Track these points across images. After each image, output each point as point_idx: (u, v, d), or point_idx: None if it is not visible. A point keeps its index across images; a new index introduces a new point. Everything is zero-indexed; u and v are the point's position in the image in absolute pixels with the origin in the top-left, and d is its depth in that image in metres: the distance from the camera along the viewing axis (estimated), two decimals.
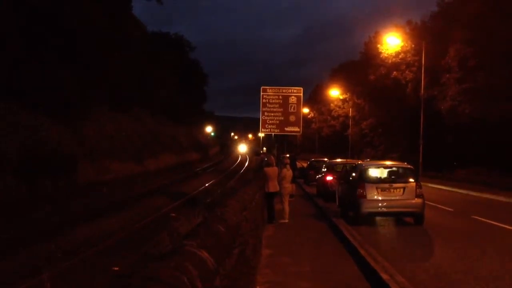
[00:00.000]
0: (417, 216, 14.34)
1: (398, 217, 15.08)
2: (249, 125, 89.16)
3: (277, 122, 29.73)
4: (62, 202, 20.84)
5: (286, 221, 15.46)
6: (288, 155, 25.24)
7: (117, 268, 5.72)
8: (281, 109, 29.60)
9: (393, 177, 14.92)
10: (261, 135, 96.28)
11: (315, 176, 27.80)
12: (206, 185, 33.53)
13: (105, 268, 10.03)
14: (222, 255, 7.20)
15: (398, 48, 47.06)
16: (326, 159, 33.89)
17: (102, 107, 37.24)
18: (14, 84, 24.42)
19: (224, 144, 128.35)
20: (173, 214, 15.15)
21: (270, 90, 29.59)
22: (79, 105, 31.01)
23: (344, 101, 69.63)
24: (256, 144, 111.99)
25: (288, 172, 16.21)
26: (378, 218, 14.91)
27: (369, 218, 14.64)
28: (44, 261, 11.06)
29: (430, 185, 27.37)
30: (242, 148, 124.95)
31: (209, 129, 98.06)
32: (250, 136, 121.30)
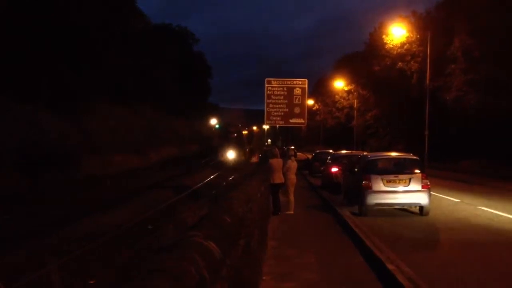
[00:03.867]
0: (423, 207, 14.30)
1: (404, 208, 15.05)
2: (257, 117, 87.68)
3: (282, 114, 29.71)
4: (65, 195, 20.90)
5: (292, 212, 15.46)
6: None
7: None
8: (286, 101, 29.57)
9: (398, 168, 14.87)
10: (265, 127, 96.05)
11: (320, 168, 27.75)
12: (211, 177, 33.56)
13: (110, 260, 10.07)
14: (228, 246, 7.22)
15: (403, 39, 46.81)
16: (331, 151, 33.84)
17: (104, 100, 37.26)
18: (15, 78, 24.46)
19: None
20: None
21: (275, 82, 29.55)
22: (81, 99, 31.09)
23: (348, 92, 69.44)
24: (261, 136, 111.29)
25: (293, 164, 16.19)
26: (383, 209, 14.88)
27: (375, 209, 14.62)
28: (48, 254, 11.12)
29: (436, 176, 27.29)
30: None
31: (213, 121, 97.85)
32: (255, 128, 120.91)
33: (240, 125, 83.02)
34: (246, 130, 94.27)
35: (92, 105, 34.09)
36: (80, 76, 30.53)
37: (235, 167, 39.81)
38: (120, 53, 38.25)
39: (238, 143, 54.39)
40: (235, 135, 58.01)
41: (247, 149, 60.55)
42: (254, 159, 52.91)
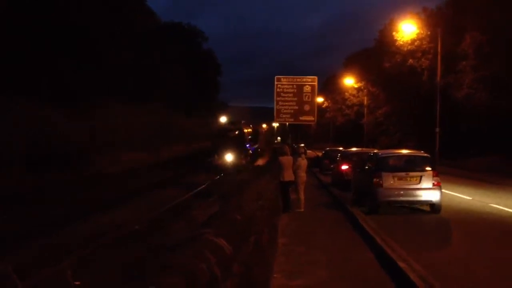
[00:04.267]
0: (434, 205, 14.22)
1: (415, 205, 14.98)
2: (267, 115, 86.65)
3: (292, 111, 29.66)
4: (73, 193, 20.99)
5: (302, 210, 15.44)
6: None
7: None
8: (296, 99, 29.52)
9: (409, 165, 14.79)
10: (275, 124, 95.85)
11: (330, 165, 27.70)
12: (221, 175, 33.58)
13: (120, 257, 10.11)
14: (238, 243, 7.22)
15: (413, 36, 46.51)
16: (341, 148, 33.75)
17: (112, 99, 37.41)
18: (24, 77, 24.63)
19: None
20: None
21: (284, 80, 29.52)
22: (88, 98, 31.25)
23: (358, 89, 69.15)
24: (270, 134, 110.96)
25: (303, 161, 16.16)
26: (394, 207, 14.82)
27: (386, 207, 14.57)
28: (57, 251, 11.18)
29: (446, 173, 27.13)
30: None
31: (223, 119, 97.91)
32: (264, 126, 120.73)
33: (243, 122, 73.58)
34: (250, 128, 79.78)
35: (102, 104, 34.26)
36: (87, 76, 30.70)
37: (235, 170, 34.27)
38: (128, 51, 38.41)
39: (238, 143, 41.98)
40: (236, 133, 44.89)
41: (251, 148, 49.21)
42: (260, 161, 45.55)
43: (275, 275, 7.98)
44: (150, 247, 10.26)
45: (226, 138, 41.97)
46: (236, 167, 35.93)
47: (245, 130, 52.30)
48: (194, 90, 66.86)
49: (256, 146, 59.72)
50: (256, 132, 77.77)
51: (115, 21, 35.62)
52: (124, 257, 9.85)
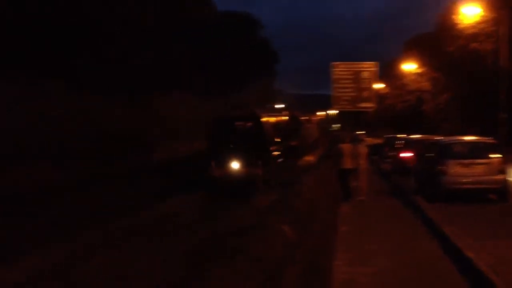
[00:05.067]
0: (501, 193, 13.71)
1: (481, 194, 14.46)
2: (323, 102, 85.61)
3: (350, 98, 29.37)
4: (138, 180, 21.56)
5: (363, 198, 15.26)
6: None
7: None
8: (354, 85, 29.22)
9: (475, 152, 14.27)
10: (331, 112, 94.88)
11: (390, 153, 27.19)
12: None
13: (187, 241, 10.33)
14: (301, 230, 7.24)
15: (477, 18, 44.71)
16: (402, 135, 33.05)
17: (171, 89, 38.06)
18: (90, 71, 25.40)
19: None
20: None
21: (342, 66, 29.19)
22: (150, 89, 31.90)
23: (419, 75, 67.26)
24: (326, 122, 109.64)
25: (363, 149, 15.97)
26: (459, 195, 14.37)
27: (450, 195, 14.15)
28: (125, 234, 11.56)
29: None
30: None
31: (279, 106, 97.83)
32: (320, 113, 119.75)
33: (265, 107, 49.30)
34: (286, 116, 45.82)
35: (162, 94, 34.98)
36: (148, 67, 31.32)
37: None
38: (185, 41, 38.92)
39: (253, 141, 20.50)
40: (249, 124, 21.74)
41: (281, 148, 26.05)
42: (310, 157, 31.77)
43: (338, 263, 7.94)
44: (216, 232, 10.42)
45: (230, 134, 21.37)
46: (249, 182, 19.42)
47: (272, 119, 28.18)
48: (251, 79, 67.04)
49: (294, 143, 34.98)
50: (295, 122, 46.09)
51: (177, 9, 36.12)
52: (190, 243, 10.06)
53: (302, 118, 49.76)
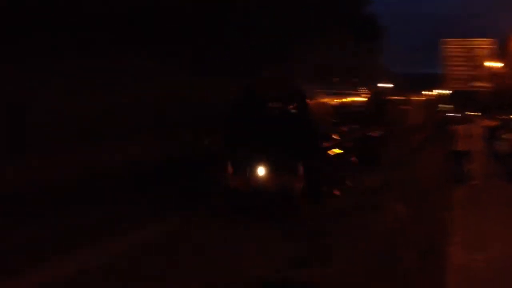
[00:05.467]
0: None
1: None
2: (433, 81, 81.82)
3: (463, 77, 27.94)
4: None
5: (477, 182, 14.58)
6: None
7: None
8: (467, 63, 27.75)
9: None
10: (443, 92, 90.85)
11: (506, 135, 25.57)
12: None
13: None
14: (413, 212, 7.17)
15: None
16: None
17: (272, 67, 38.17)
18: (203, 56, 26.30)
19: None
20: None
21: (454, 43, 27.83)
22: (250, 67, 32.30)
23: None
24: (435, 102, 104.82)
25: (478, 130, 15.27)
26: None
27: None
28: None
29: None
30: None
31: (387, 85, 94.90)
32: (428, 92, 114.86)
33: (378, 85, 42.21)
34: (365, 93, 37.58)
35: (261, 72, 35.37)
36: (249, 47, 31.75)
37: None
38: (292, 16, 38.79)
39: (293, 133, 11.44)
40: (288, 107, 12.21)
41: (350, 143, 16.09)
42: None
43: (453, 248, 7.73)
44: (325, 211, 10.43)
45: (257, 122, 12.16)
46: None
47: (336, 100, 24.09)
48: (357, 55, 65.64)
49: (375, 134, 21.70)
50: (379, 104, 28.66)
51: None
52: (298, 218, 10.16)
53: (394, 98, 39.23)
